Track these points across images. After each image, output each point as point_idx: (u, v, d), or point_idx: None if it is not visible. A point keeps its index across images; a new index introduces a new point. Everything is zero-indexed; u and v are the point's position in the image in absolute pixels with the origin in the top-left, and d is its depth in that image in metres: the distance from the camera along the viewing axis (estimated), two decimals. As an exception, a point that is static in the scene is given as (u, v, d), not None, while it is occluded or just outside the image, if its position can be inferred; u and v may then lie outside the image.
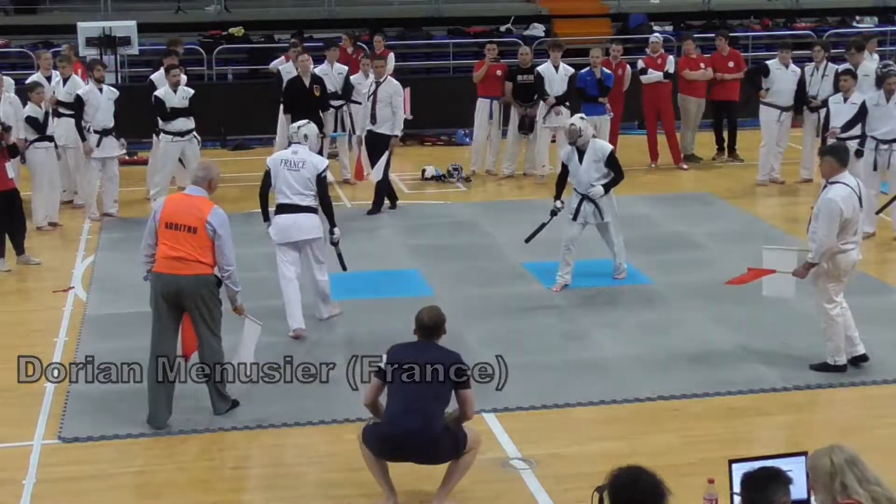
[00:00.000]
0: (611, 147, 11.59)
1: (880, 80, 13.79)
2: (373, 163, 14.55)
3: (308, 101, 15.10)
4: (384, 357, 7.15)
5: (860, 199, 8.99)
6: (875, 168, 13.36)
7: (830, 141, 13.41)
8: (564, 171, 11.53)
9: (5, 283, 12.16)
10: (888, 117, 13.30)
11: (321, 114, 15.25)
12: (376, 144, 14.49)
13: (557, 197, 11.73)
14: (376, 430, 7.11)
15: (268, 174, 10.37)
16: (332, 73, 16.17)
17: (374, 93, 14.54)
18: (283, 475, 7.83)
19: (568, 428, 8.47)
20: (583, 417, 8.66)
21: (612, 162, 11.33)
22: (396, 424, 6.98)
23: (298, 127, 10.55)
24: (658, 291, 11.50)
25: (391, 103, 14.48)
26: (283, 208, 10.28)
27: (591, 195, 11.33)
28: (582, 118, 11.58)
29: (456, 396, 7.12)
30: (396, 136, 14.67)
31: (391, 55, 17.02)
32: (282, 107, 15.81)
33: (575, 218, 11.40)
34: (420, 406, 6.95)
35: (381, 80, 14.60)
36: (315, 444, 8.26)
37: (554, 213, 11.74)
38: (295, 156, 10.28)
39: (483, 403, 8.67)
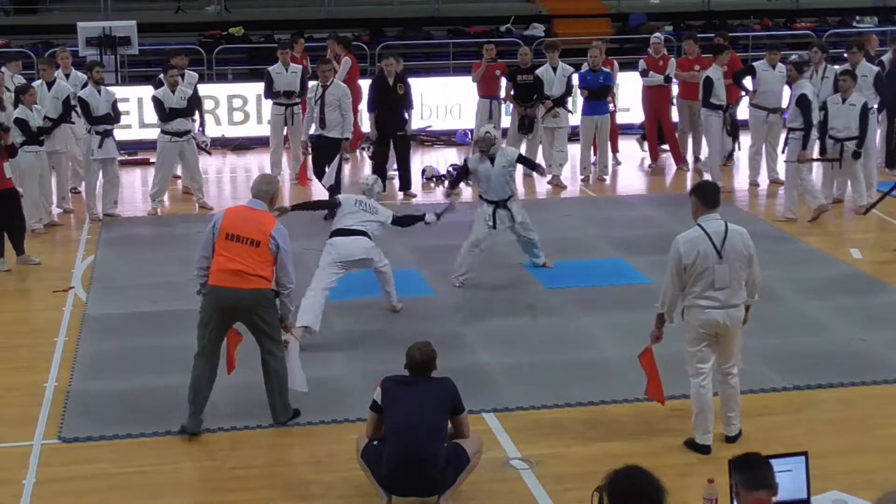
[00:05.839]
0: (517, 151, 12.36)
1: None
2: (326, 166, 14.52)
3: (393, 99, 15.27)
4: (379, 390, 7.15)
5: (717, 249, 7.68)
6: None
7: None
8: (465, 175, 12.02)
9: (5, 283, 12.15)
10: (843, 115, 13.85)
11: (405, 112, 15.54)
12: (328, 149, 14.42)
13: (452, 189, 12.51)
14: (378, 466, 7.10)
15: (335, 202, 10.81)
16: (286, 73, 16.27)
17: (322, 97, 14.50)
18: (283, 475, 7.83)
19: (568, 428, 8.47)
20: (582, 417, 8.66)
21: (520, 159, 12.01)
22: (397, 472, 6.99)
23: (372, 184, 11.02)
24: (658, 291, 11.45)
25: (340, 106, 14.50)
26: (342, 232, 10.52)
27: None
28: (495, 127, 12.22)
29: (452, 422, 7.19)
30: (347, 139, 14.69)
31: (345, 59, 17.20)
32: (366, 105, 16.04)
33: (494, 226, 11.68)
34: (419, 448, 6.96)
35: (328, 83, 14.58)
36: (315, 444, 8.26)
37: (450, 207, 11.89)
38: (369, 201, 10.76)
39: (483, 403, 8.69)
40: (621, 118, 18.11)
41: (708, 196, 7.87)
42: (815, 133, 14.09)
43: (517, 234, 11.99)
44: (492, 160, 11.56)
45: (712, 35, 18.61)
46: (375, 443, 7.18)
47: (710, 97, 15.43)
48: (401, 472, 7.00)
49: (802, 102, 13.91)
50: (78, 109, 14.54)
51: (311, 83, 15.15)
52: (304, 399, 8.67)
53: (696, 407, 7.97)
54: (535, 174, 16.44)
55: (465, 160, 11.98)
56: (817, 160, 14.28)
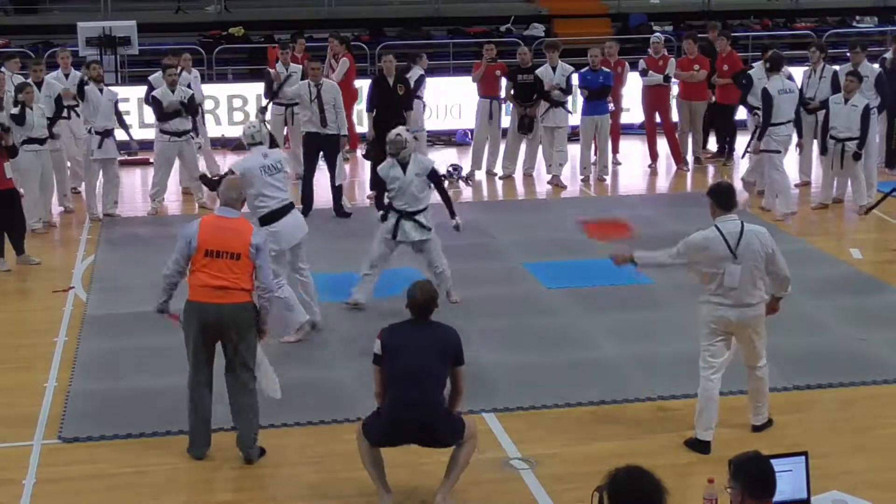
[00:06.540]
0: (433, 161, 11.19)
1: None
2: (329, 164, 14.56)
3: (392, 99, 15.23)
4: (378, 342, 7.06)
5: (732, 249, 7.79)
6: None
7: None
8: (383, 186, 10.82)
9: (5, 283, 12.16)
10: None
11: (404, 112, 15.42)
12: (327, 146, 14.46)
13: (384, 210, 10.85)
14: (377, 423, 7.10)
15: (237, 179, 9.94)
16: (286, 73, 16.28)
17: (318, 96, 14.49)
18: (283, 475, 7.82)
19: (568, 428, 8.47)
20: (583, 417, 8.66)
21: (434, 176, 10.82)
22: (398, 416, 6.97)
23: (260, 127, 10.35)
24: (658, 291, 11.49)
25: (335, 105, 14.52)
26: (282, 211, 10.04)
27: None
28: (407, 130, 11.14)
29: (450, 373, 7.11)
30: (345, 136, 14.71)
31: (343, 59, 17.22)
32: (365, 105, 16.11)
33: (395, 237, 10.69)
34: (421, 393, 6.93)
35: (319, 83, 14.56)
36: (315, 444, 8.25)
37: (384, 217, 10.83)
38: (267, 159, 10.14)
39: (483, 403, 8.69)
40: (622, 118, 18.09)
41: (723, 198, 7.98)
42: (787, 129, 14.18)
43: (423, 253, 10.92)
44: (404, 166, 10.64)
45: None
46: (373, 413, 7.15)
47: (747, 96, 15.36)
48: (402, 416, 6.95)
49: (762, 97, 14.15)
50: (77, 109, 14.56)
51: (301, 82, 15.12)
52: (304, 398, 8.66)
53: (700, 401, 8.02)
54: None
55: (376, 171, 11.01)
56: (762, 151, 14.34)
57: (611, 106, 16.54)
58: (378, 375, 7.14)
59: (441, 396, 7.05)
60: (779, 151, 14.12)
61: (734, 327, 7.96)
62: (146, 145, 16.05)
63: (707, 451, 7.95)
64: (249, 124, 10.47)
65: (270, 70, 16.42)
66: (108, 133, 14.38)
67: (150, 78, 15.79)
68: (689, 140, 17.36)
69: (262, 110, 13.69)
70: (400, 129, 10.98)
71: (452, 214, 11.02)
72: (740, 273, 7.79)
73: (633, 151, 18.03)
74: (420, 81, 16.73)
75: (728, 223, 7.87)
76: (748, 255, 7.82)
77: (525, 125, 16.41)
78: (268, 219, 9.99)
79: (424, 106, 17.33)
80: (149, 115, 16.44)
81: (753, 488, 5.04)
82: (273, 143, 10.80)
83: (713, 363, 8.01)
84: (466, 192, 16.17)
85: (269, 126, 11.57)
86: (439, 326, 7.15)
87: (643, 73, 17.09)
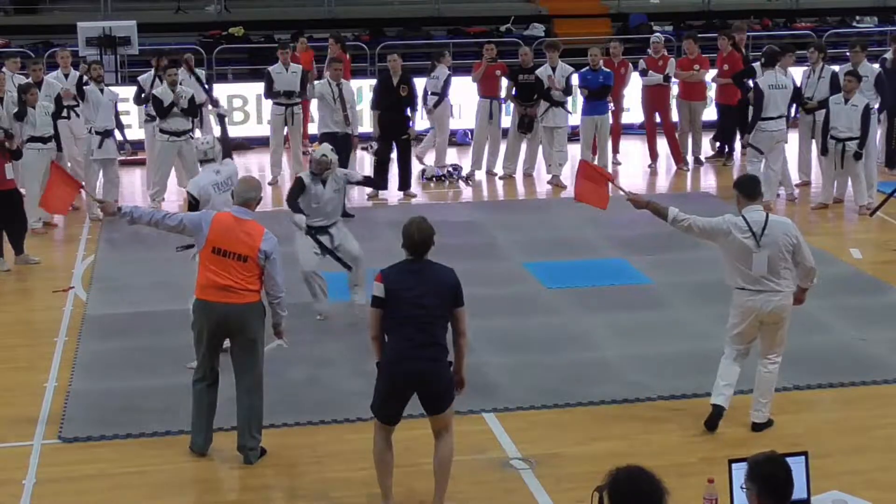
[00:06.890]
0: (344, 171, 11.11)
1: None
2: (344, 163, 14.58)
3: (395, 99, 15.27)
4: (381, 286, 6.93)
5: (756, 237, 7.98)
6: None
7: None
8: (302, 191, 10.58)
9: (5, 283, 12.16)
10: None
11: (408, 112, 15.50)
12: (343, 146, 14.45)
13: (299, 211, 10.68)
14: (381, 382, 7.03)
15: (193, 201, 9.90)
16: (286, 73, 16.29)
17: (341, 95, 14.55)
18: (284, 475, 7.83)
19: (568, 428, 8.47)
20: (583, 417, 8.66)
21: (352, 181, 11.17)
22: (401, 362, 6.91)
23: (213, 143, 10.15)
24: (658, 291, 11.50)
25: (351, 105, 14.65)
26: None
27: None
28: (332, 150, 10.86)
29: (451, 314, 7.06)
30: (357, 136, 14.80)
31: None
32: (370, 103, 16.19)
33: (323, 252, 10.66)
34: (423, 336, 6.89)
35: (339, 82, 14.64)
36: (315, 444, 8.25)
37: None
38: (219, 175, 9.95)
39: (483, 403, 8.69)
40: (622, 118, 18.07)
41: (747, 189, 8.22)
42: (778, 125, 14.27)
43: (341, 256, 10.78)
44: (323, 182, 10.59)
45: (714, 35, 18.60)
46: (377, 380, 7.12)
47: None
48: (406, 363, 6.90)
49: (753, 90, 14.39)
50: (77, 109, 14.56)
51: (317, 82, 15.19)
52: (304, 399, 8.65)
53: (719, 371, 8.35)
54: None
55: (300, 177, 10.78)
56: (749, 146, 14.49)
57: (610, 106, 16.55)
58: (377, 318, 7.00)
59: (444, 339, 6.98)
60: (762, 152, 14.25)
61: (763, 315, 8.14)
62: (138, 145, 16.08)
63: (719, 411, 8.25)
64: (203, 141, 10.27)
65: (307, 70, 16.47)
66: (108, 133, 14.39)
67: (139, 78, 15.86)
68: (689, 140, 17.36)
69: (221, 118, 13.45)
70: (324, 148, 10.81)
71: (370, 183, 13.01)
72: (766, 261, 8.00)
73: (633, 151, 18.03)
74: (448, 81, 16.80)
75: (753, 213, 8.10)
76: (772, 244, 8.02)
77: (525, 125, 16.40)
78: None
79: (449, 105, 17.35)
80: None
81: (769, 490, 4.91)
82: (227, 153, 10.67)
83: (729, 351, 8.34)
84: (466, 192, 16.17)
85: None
86: (436, 266, 7.06)
87: (643, 73, 17.10)
